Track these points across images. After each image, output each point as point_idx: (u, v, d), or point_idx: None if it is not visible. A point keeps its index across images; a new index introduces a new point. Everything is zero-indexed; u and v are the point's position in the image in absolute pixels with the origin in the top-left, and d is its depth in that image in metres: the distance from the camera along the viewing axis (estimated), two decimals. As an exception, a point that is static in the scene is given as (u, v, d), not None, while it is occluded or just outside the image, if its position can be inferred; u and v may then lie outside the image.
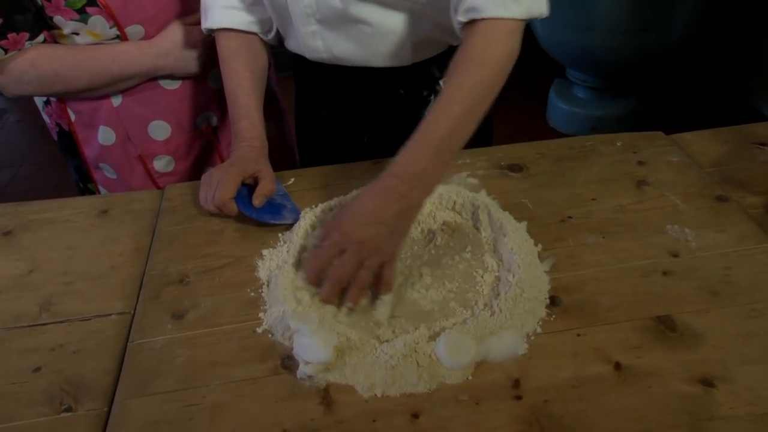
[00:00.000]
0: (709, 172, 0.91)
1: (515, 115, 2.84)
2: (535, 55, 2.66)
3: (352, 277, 0.69)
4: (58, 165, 2.49)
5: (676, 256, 0.77)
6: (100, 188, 1.14)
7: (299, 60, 1.00)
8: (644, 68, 2.37)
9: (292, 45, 0.98)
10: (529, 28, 2.47)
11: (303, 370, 0.64)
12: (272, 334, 0.69)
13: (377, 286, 0.71)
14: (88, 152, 1.08)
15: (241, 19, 0.94)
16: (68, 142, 1.08)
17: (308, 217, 0.83)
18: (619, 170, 0.92)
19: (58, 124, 1.08)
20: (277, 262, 0.78)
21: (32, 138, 3.03)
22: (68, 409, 0.62)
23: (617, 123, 2.45)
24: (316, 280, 0.71)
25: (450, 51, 0.96)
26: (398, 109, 1.01)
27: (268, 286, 0.75)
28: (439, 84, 0.99)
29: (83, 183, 1.16)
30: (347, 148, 1.06)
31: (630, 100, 2.49)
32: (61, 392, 0.64)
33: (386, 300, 0.72)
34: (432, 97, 1.01)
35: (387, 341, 0.67)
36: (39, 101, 1.07)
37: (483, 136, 0.90)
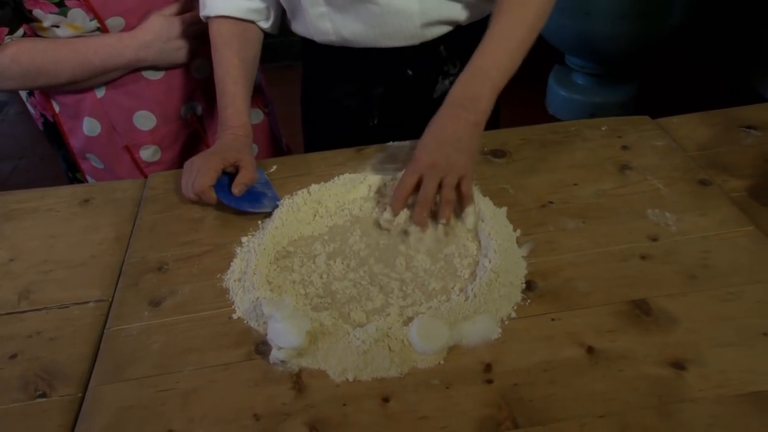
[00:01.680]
0: (694, 156, 0.90)
1: (514, 101, 2.81)
2: (535, 42, 2.65)
3: (436, 196, 0.75)
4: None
5: (655, 240, 0.76)
6: (88, 178, 1.14)
7: (307, 44, 1.00)
8: (644, 54, 2.35)
9: (299, 29, 0.98)
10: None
11: (275, 355, 0.64)
12: (247, 321, 0.70)
13: (459, 200, 0.77)
14: (74, 143, 1.08)
15: (240, 6, 0.93)
16: (54, 133, 1.09)
17: (287, 204, 0.83)
18: (603, 155, 0.92)
19: (43, 115, 1.08)
20: (253, 249, 0.78)
21: (33, 130, 3.02)
22: (43, 395, 0.63)
23: (617, 109, 2.43)
24: (400, 208, 0.77)
25: (457, 30, 0.96)
26: (407, 90, 1.01)
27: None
28: (446, 64, 1.00)
29: (72, 173, 1.17)
30: (356, 131, 1.06)
31: (630, 86, 2.46)
32: (36, 378, 0.65)
33: (470, 211, 0.77)
34: (440, 78, 1.01)
35: (360, 326, 0.67)
36: (23, 92, 1.07)
37: (490, 121, 0.90)
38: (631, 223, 0.79)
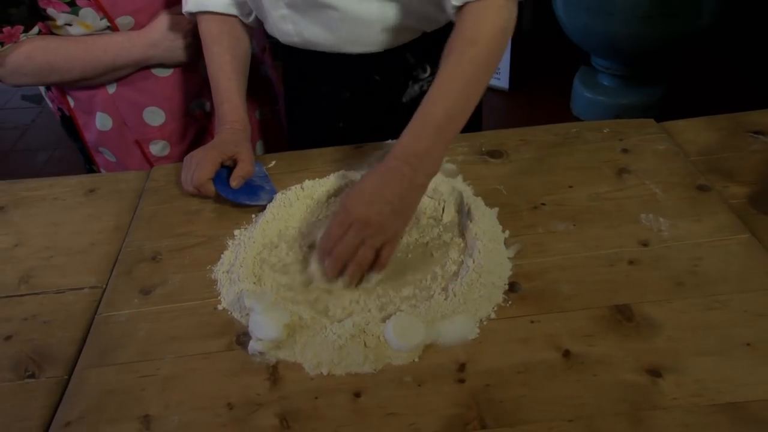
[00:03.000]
0: (695, 161, 0.88)
1: (538, 103, 2.79)
2: (560, 42, 2.60)
3: (354, 254, 0.70)
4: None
5: (645, 245, 0.75)
6: (102, 171, 1.18)
7: (281, 44, 1.01)
8: (671, 55, 2.29)
9: (268, 28, 0.99)
10: (552, 13, 2.41)
11: (253, 346, 0.65)
12: (231, 312, 0.71)
13: (373, 264, 0.72)
14: (88, 137, 1.12)
15: (220, 1, 0.95)
16: (70, 126, 1.13)
17: (279, 199, 0.84)
18: (601, 158, 0.90)
19: (60, 109, 1.12)
20: (243, 242, 0.79)
21: (68, 122, 3.14)
22: (31, 376, 0.66)
23: (643, 112, 2.38)
24: (324, 259, 0.72)
25: (424, 37, 0.95)
26: (374, 94, 1.01)
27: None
28: (416, 70, 0.99)
29: (88, 165, 1.20)
30: (326, 132, 1.07)
31: (657, 89, 2.41)
32: (27, 360, 0.68)
33: (374, 278, 0.72)
34: (410, 82, 1.00)
35: (338, 321, 0.67)
36: (42, 87, 1.11)
37: (471, 123, 0.90)
38: (623, 228, 0.78)
